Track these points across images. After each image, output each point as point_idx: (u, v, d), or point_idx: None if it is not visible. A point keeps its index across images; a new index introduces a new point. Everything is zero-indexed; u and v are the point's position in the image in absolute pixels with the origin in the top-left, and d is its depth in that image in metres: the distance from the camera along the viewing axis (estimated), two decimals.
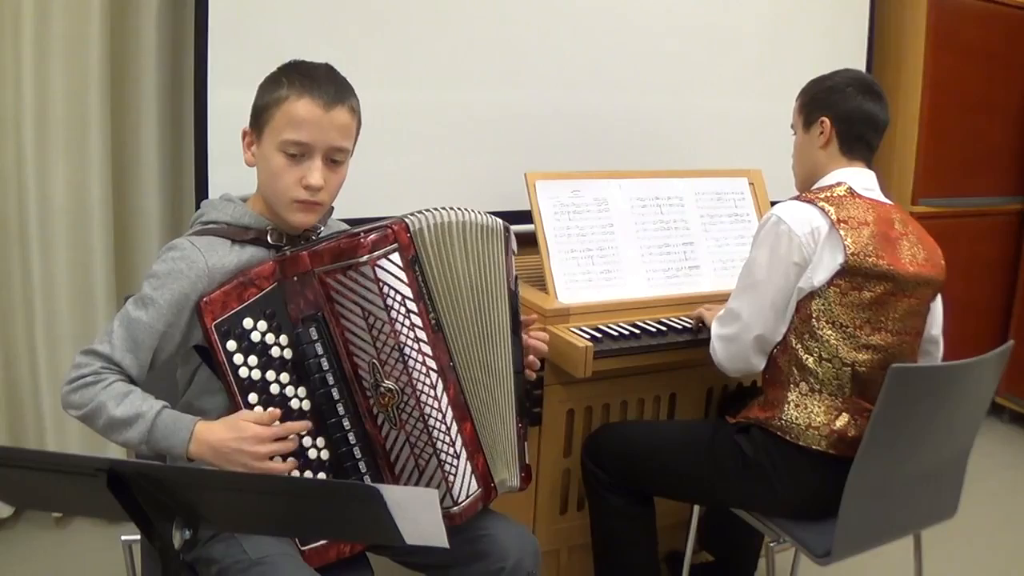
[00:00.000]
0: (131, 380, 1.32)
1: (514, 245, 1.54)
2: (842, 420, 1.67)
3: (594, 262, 2.11)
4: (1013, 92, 3.31)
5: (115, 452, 2.27)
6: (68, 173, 2.28)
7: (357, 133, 1.44)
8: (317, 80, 1.36)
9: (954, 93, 3.14)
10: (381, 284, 1.30)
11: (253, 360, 1.31)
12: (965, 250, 3.23)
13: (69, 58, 2.21)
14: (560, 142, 2.50)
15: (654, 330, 1.98)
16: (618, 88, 2.57)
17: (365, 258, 1.29)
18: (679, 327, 2.02)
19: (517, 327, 1.53)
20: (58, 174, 2.27)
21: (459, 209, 1.44)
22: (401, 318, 1.32)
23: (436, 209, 1.41)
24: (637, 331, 1.96)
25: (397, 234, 1.33)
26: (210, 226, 1.40)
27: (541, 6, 2.43)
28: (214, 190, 2.06)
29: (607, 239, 2.15)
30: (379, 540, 1.36)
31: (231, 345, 1.29)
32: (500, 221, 1.50)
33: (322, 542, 1.35)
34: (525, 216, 2.12)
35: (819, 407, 1.68)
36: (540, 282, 2.08)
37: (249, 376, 1.30)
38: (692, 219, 2.28)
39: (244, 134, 1.42)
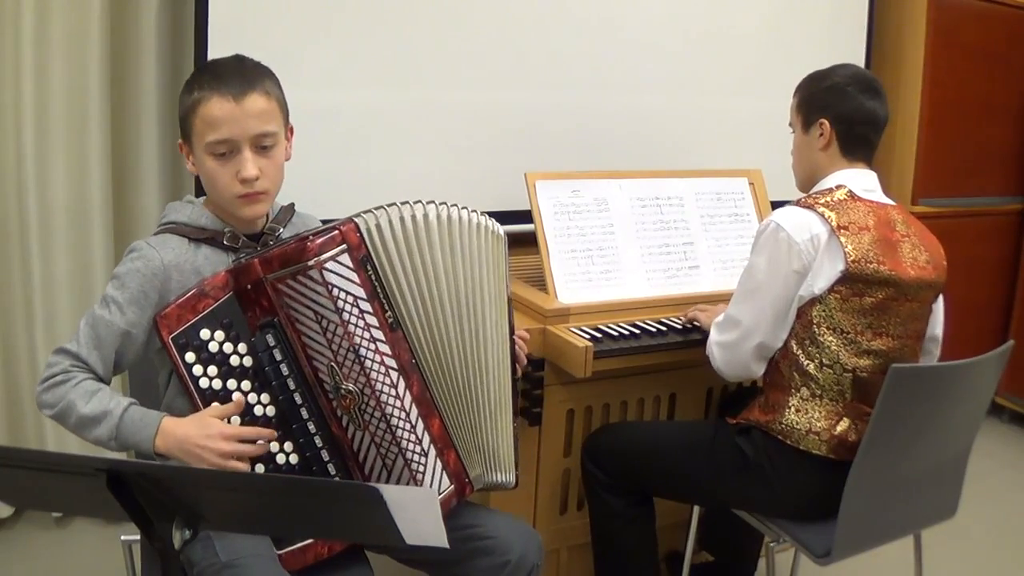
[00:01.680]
0: (99, 377, 1.34)
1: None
2: (843, 425, 1.67)
3: (594, 262, 2.11)
4: (1013, 92, 3.31)
5: (114, 453, 2.27)
6: (68, 173, 2.28)
7: (284, 113, 1.44)
8: (223, 76, 1.37)
9: (954, 93, 3.14)
10: (330, 287, 1.30)
11: (213, 370, 1.31)
12: (965, 250, 3.22)
13: (69, 58, 2.21)
14: (560, 142, 2.50)
15: (654, 330, 1.98)
16: (618, 88, 2.57)
17: (312, 261, 1.29)
18: (679, 327, 2.02)
19: (512, 325, 1.53)
20: (58, 174, 2.27)
21: (437, 204, 1.43)
22: (354, 319, 1.31)
23: (406, 204, 1.41)
24: (637, 331, 1.96)
25: (345, 235, 1.32)
26: (167, 225, 1.43)
27: (541, 6, 2.43)
28: None
29: (607, 239, 2.15)
30: (379, 540, 1.36)
31: (190, 357, 1.30)
32: (492, 220, 1.50)
33: (298, 544, 1.35)
34: (525, 216, 2.12)
35: (820, 412, 1.67)
36: (540, 282, 2.08)
37: (210, 386, 1.31)
38: (692, 219, 2.28)
39: (180, 147, 1.44)
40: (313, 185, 2.05)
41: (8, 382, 2.36)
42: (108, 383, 1.36)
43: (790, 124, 1.86)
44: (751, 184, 2.39)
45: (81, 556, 2.31)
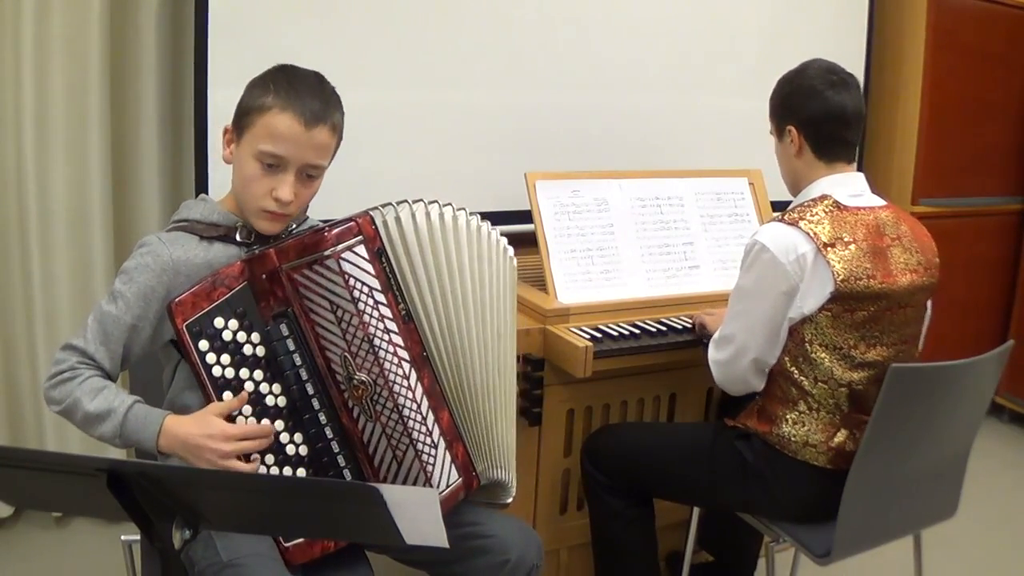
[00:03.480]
0: (106, 373, 1.34)
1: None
2: (840, 436, 1.66)
3: (594, 262, 2.11)
4: (1013, 92, 3.31)
5: (115, 452, 2.27)
6: (68, 173, 2.28)
7: (336, 147, 1.45)
8: (303, 94, 1.36)
9: (954, 93, 3.14)
10: (347, 276, 1.31)
11: (226, 359, 1.31)
12: (965, 250, 3.23)
13: (69, 58, 2.21)
14: (560, 142, 2.50)
15: (654, 330, 1.98)
16: (618, 88, 2.57)
17: (329, 251, 1.30)
18: (679, 327, 2.02)
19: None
20: (58, 174, 2.27)
21: (468, 211, 1.46)
22: (369, 310, 1.33)
23: (434, 203, 1.42)
24: (637, 331, 1.96)
25: (362, 226, 1.34)
26: (181, 223, 1.43)
27: (541, 6, 2.43)
28: (214, 190, 2.06)
29: (607, 239, 2.15)
30: (379, 540, 1.36)
31: (203, 345, 1.30)
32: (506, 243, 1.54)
33: (303, 539, 1.35)
34: (525, 216, 2.12)
35: (816, 425, 1.66)
36: (540, 282, 2.08)
37: (223, 375, 1.31)
38: (692, 219, 2.28)
39: (225, 131, 1.42)
40: None
41: (8, 381, 2.36)
42: (116, 378, 1.36)
43: (771, 132, 1.81)
44: (751, 184, 2.39)
45: (81, 556, 2.31)
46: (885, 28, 3.16)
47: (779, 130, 1.76)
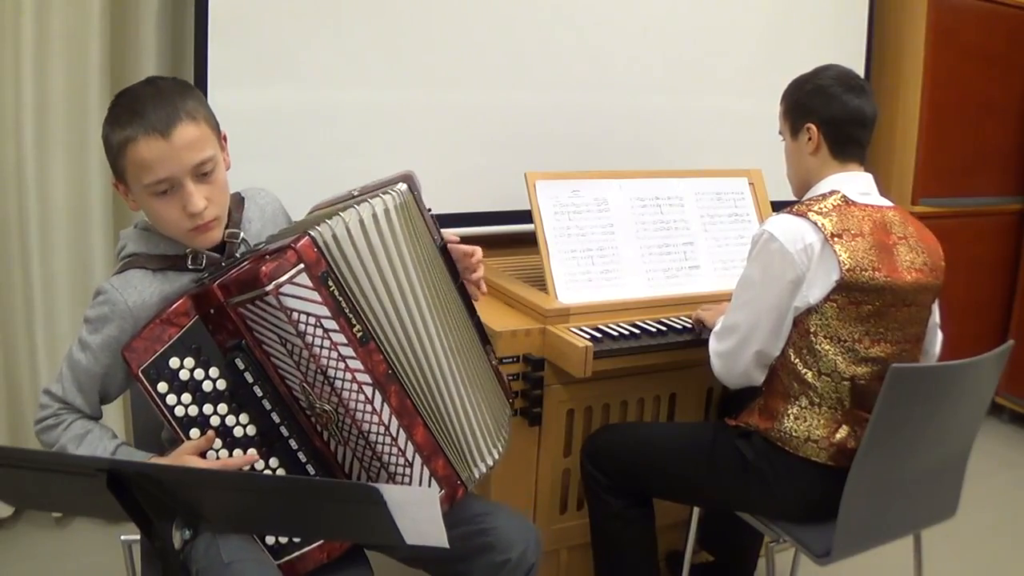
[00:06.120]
0: (88, 415, 1.37)
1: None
2: (842, 432, 1.66)
3: (594, 262, 2.11)
4: (1013, 92, 3.31)
5: None
6: (68, 173, 2.28)
7: (216, 128, 1.38)
8: (143, 111, 1.29)
9: (954, 93, 3.14)
10: (289, 311, 1.24)
11: (187, 398, 1.29)
12: (965, 250, 3.23)
13: (69, 58, 2.22)
14: (560, 142, 2.50)
15: (654, 330, 1.98)
16: (618, 88, 2.57)
17: (270, 287, 1.22)
18: (679, 327, 2.02)
19: (457, 276, 1.51)
20: (58, 174, 2.27)
21: (364, 197, 1.37)
22: (319, 340, 1.26)
23: (364, 203, 1.33)
24: (637, 331, 1.96)
25: (301, 252, 1.25)
26: (128, 259, 1.40)
27: (541, 6, 2.43)
28: None
29: (607, 239, 2.15)
30: (379, 540, 1.36)
31: (162, 387, 1.28)
32: (402, 183, 1.44)
33: (296, 554, 1.34)
34: (525, 216, 2.12)
35: (818, 420, 1.66)
36: (540, 282, 2.08)
37: (186, 414, 1.30)
38: (692, 219, 2.28)
39: (115, 185, 1.38)
40: (313, 185, 2.05)
41: (8, 382, 2.36)
42: (99, 416, 1.39)
43: (780, 132, 1.85)
44: (751, 184, 2.39)
45: (81, 556, 2.31)
46: (885, 28, 3.16)
47: (794, 129, 1.79)
